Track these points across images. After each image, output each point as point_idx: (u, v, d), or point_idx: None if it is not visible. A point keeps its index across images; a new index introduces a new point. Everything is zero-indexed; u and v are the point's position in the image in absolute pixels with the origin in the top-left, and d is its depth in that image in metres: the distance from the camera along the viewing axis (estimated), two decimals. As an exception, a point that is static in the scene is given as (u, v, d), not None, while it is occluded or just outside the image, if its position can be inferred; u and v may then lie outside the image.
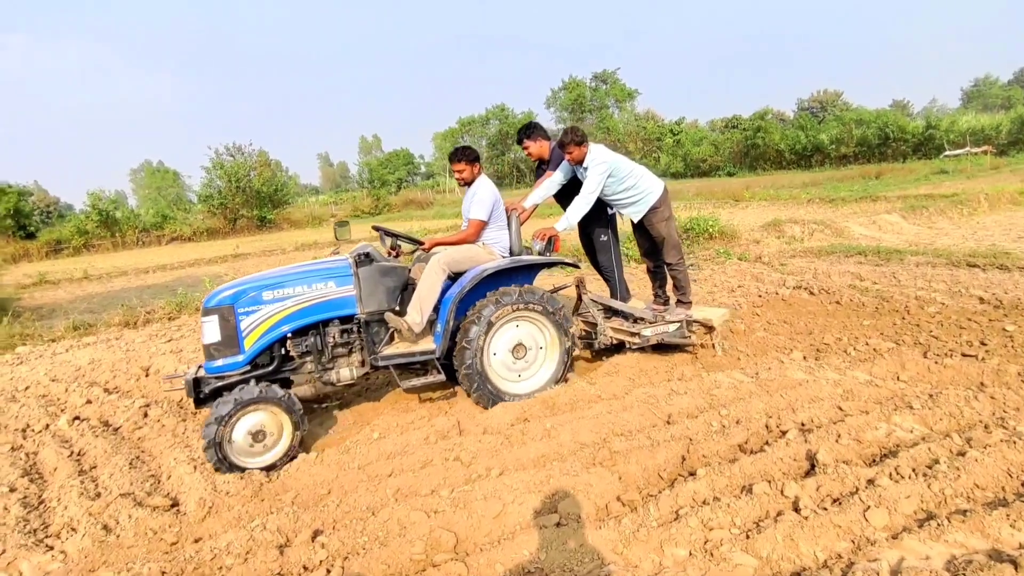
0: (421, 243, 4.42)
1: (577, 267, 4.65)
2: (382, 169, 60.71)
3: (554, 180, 4.86)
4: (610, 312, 4.96)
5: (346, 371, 3.94)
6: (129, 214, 31.98)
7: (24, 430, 4.51)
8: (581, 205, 4.47)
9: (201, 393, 3.71)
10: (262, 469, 3.48)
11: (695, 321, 4.75)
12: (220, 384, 3.69)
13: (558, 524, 2.57)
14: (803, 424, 3.28)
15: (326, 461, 3.43)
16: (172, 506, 3.18)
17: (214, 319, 3.67)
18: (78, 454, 3.97)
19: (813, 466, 2.83)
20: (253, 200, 32.38)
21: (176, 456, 3.67)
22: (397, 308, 4.07)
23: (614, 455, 3.10)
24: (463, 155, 4.31)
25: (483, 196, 4.22)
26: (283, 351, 3.92)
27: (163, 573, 2.52)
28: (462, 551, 2.49)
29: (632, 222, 4.91)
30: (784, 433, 3.19)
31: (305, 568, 2.47)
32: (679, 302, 4.91)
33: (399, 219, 25.73)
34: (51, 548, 2.84)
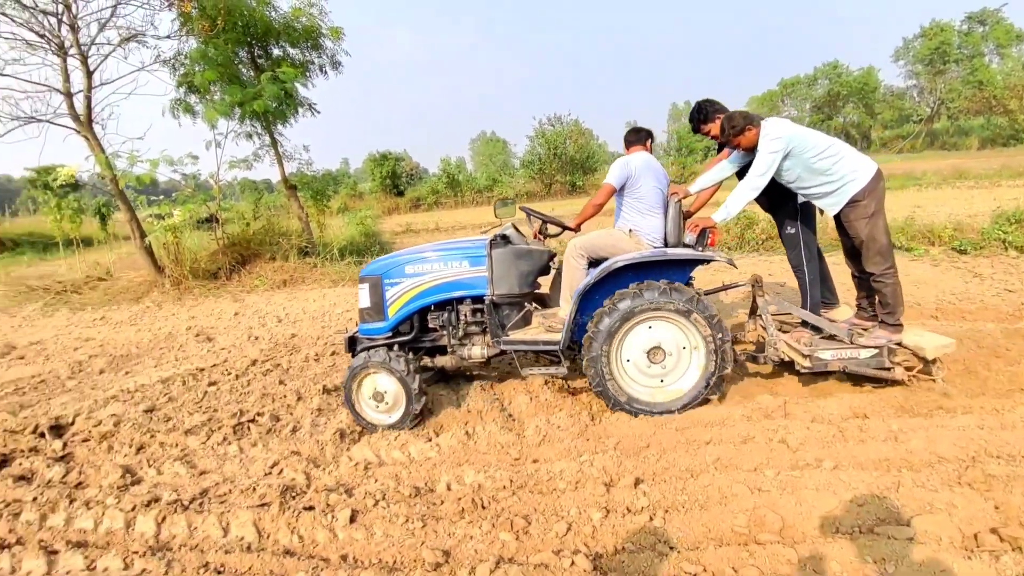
0: (568, 227, 4.25)
1: (733, 266, 3.85)
2: (691, 137, 58.85)
3: (725, 164, 4.11)
4: (803, 322, 4.04)
5: (478, 349, 3.97)
6: (468, 177, 37.40)
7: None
8: (744, 192, 3.71)
9: (354, 351, 4.10)
10: (387, 427, 3.79)
11: (905, 348, 3.66)
12: (370, 345, 4.00)
13: (910, 539, 2.27)
14: None
15: (644, 417, 3.61)
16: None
17: (366, 286, 4.01)
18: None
19: None
20: (567, 166, 34.76)
21: (515, 387, 4.27)
22: (529, 291, 3.99)
23: (989, 479, 2.58)
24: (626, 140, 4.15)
25: (614, 164, 3.97)
26: (423, 322, 4.10)
27: (511, 481, 3.00)
28: (788, 536, 2.39)
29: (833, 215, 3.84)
30: None
31: (628, 510, 2.67)
32: (882, 323, 3.78)
33: (705, 188, 24.79)
34: (430, 440, 3.60)
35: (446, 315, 4.01)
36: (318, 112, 11.48)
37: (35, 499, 3.19)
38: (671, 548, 2.39)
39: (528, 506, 2.77)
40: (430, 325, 4.11)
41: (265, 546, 2.67)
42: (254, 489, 3.10)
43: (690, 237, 3.77)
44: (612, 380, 3.60)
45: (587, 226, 4.23)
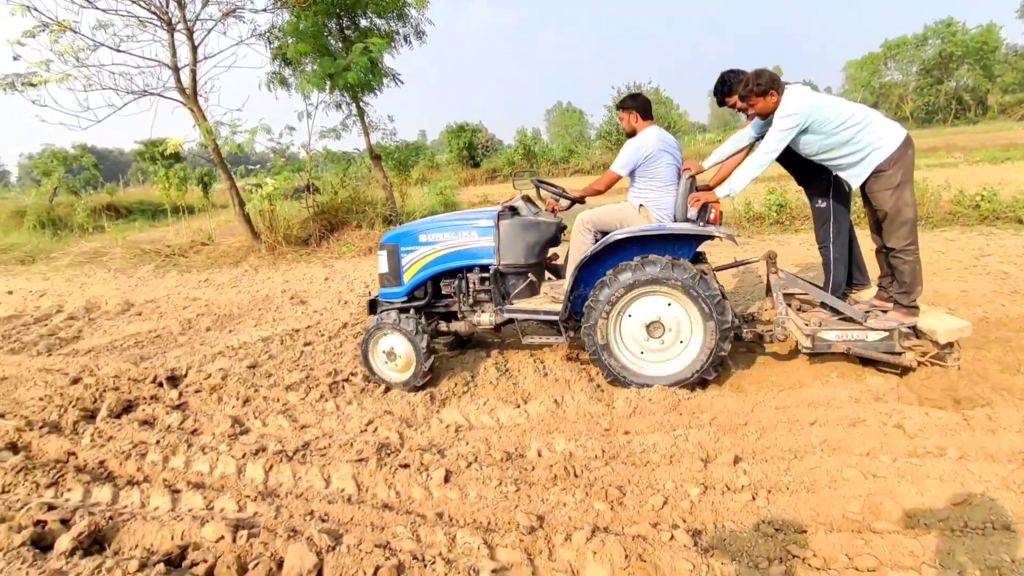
0: (574, 199, 4.18)
1: (734, 241, 3.68)
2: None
3: (744, 133, 3.95)
4: (823, 303, 3.76)
5: (487, 316, 4.09)
6: (544, 148, 36.98)
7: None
8: (750, 168, 3.50)
9: (375, 313, 4.32)
10: (398, 384, 4.03)
11: (918, 332, 3.43)
12: (388, 308, 4.21)
13: (1056, 539, 2.05)
14: None
15: (740, 394, 3.46)
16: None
17: (384, 253, 4.24)
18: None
19: None
20: (646, 136, 33.60)
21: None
22: (535, 261, 4.03)
23: None
24: (620, 103, 4.00)
25: (624, 149, 3.83)
26: (436, 288, 4.28)
27: (603, 451, 2.96)
28: (909, 527, 2.23)
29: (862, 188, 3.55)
30: None
31: (728, 488, 2.57)
32: (896, 304, 3.56)
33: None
34: (518, 407, 3.61)
35: (457, 282, 4.18)
36: (401, 82, 11.62)
37: (158, 442, 3.46)
38: (776, 530, 2.28)
39: (622, 477, 2.72)
40: (443, 291, 4.30)
41: (364, 499, 2.78)
42: (351, 445, 3.23)
43: (692, 212, 3.67)
44: (608, 351, 3.64)
45: (600, 199, 4.17)
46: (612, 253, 3.66)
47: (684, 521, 2.39)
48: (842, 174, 3.57)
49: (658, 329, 3.61)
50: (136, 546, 2.50)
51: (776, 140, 3.42)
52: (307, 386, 4.18)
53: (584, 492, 2.61)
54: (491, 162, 37.08)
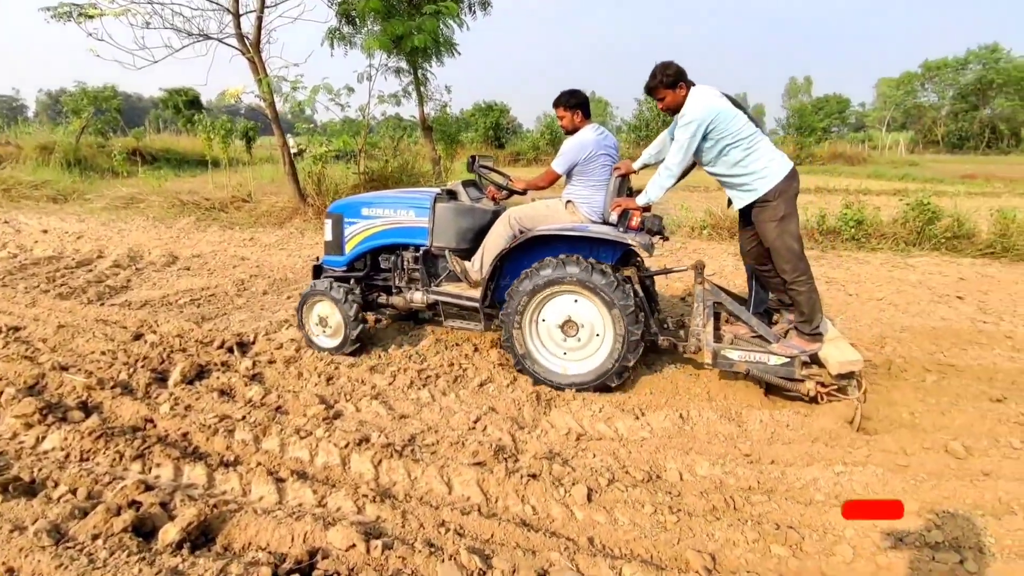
0: (514, 190, 4.14)
1: (648, 252, 3.55)
2: (812, 116, 54.13)
3: (666, 136, 3.79)
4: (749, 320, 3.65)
5: (419, 295, 4.19)
6: (563, 136, 36.27)
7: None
8: (661, 177, 3.41)
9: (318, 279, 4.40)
10: (328, 350, 4.14)
11: (815, 362, 3.41)
12: (330, 275, 4.34)
13: None
14: None
15: (893, 431, 3.14)
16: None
17: (330, 222, 4.34)
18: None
19: None
20: (672, 135, 32.88)
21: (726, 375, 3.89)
22: (467, 247, 4.04)
23: None
24: (561, 100, 3.80)
25: (565, 147, 3.76)
26: (375, 262, 4.40)
27: (757, 482, 2.65)
28: None
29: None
30: None
31: (926, 543, 2.26)
32: (798, 332, 3.48)
33: (823, 173, 22.17)
34: (638, 418, 3.30)
35: (394, 259, 4.29)
36: (459, 53, 11.20)
37: (244, 418, 3.17)
38: (1002, 605, 1.98)
39: (791, 516, 2.42)
40: (382, 266, 4.39)
41: (496, 511, 2.48)
42: (463, 444, 2.93)
43: (613, 216, 3.62)
44: (520, 342, 3.69)
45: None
46: (539, 248, 3.68)
47: (886, 582, 2.09)
48: (728, 192, 3.54)
49: (572, 328, 3.63)
50: (250, 543, 2.21)
51: (679, 151, 3.33)
52: (393, 370, 3.87)
53: (755, 531, 2.30)
54: (515, 145, 36.42)
